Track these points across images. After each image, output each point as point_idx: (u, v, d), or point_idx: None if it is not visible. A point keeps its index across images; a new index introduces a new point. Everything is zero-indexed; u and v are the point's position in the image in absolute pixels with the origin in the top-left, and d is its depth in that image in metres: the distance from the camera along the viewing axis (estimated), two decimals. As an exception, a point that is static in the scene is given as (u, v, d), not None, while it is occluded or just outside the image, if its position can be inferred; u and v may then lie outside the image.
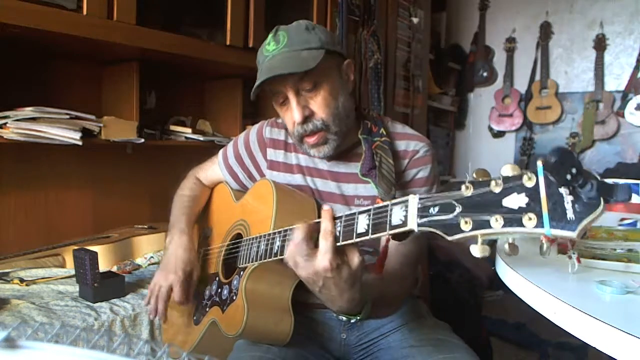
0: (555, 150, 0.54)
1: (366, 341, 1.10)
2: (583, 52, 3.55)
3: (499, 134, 3.95)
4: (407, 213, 0.68)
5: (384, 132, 1.08)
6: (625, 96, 3.36)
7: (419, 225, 0.66)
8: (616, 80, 3.43)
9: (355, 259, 0.77)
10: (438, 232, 0.63)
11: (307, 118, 1.00)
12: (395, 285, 0.99)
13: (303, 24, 1.01)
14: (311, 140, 1.03)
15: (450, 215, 0.61)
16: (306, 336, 1.07)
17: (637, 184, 1.51)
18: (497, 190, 0.58)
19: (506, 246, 0.59)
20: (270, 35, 1.02)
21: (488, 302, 2.83)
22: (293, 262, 0.79)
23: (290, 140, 1.15)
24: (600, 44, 3.46)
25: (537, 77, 3.71)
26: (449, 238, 0.61)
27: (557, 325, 0.72)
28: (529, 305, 0.80)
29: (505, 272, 0.93)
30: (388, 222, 0.71)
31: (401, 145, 1.08)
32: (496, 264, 1.01)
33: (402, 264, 1.01)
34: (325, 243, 0.75)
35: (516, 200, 0.56)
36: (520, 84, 3.81)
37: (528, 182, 0.56)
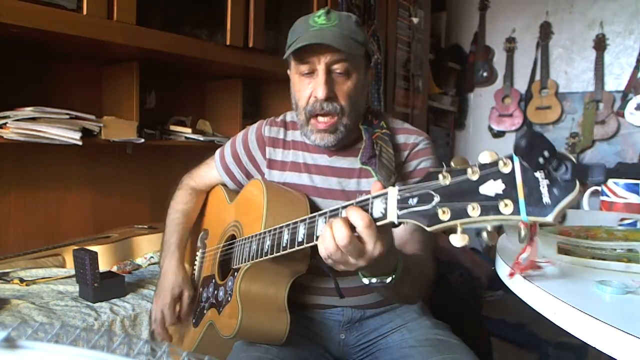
0: (524, 133, 0.53)
1: (365, 341, 1.10)
2: (583, 52, 3.55)
3: (499, 134, 3.95)
4: (387, 205, 0.68)
5: (384, 125, 1.09)
6: (625, 96, 3.35)
7: (398, 217, 0.66)
8: (616, 80, 3.43)
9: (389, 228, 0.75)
10: (418, 223, 0.63)
11: (330, 98, 1.00)
12: (419, 265, 0.97)
13: (354, 17, 1.03)
14: (321, 124, 1.03)
15: (429, 206, 0.61)
16: (305, 336, 1.07)
17: (637, 184, 1.50)
18: (474, 177, 0.58)
19: (484, 234, 0.58)
20: (321, 11, 1.02)
21: (488, 302, 2.83)
22: (334, 261, 0.77)
23: (289, 138, 1.16)
24: (600, 44, 3.46)
25: (537, 77, 3.71)
26: (429, 229, 0.61)
27: (557, 325, 0.72)
28: (529, 305, 0.80)
29: (505, 272, 0.93)
30: (370, 215, 0.71)
31: (401, 138, 1.10)
32: (496, 264, 1.01)
33: (421, 250, 1.01)
34: (371, 234, 0.72)
35: (493, 187, 0.56)
36: (520, 84, 3.81)
37: (504, 168, 0.55)
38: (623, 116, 3.35)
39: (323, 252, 0.76)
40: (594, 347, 0.64)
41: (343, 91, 1.01)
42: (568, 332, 0.69)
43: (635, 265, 0.88)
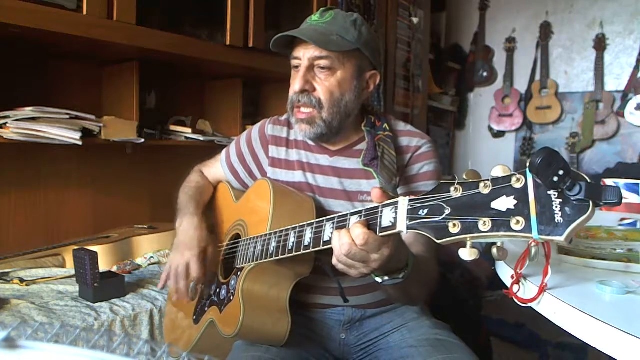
0: (541, 151, 0.52)
1: (365, 341, 1.10)
2: (583, 52, 3.55)
3: (499, 134, 3.95)
4: (396, 215, 0.68)
5: (387, 128, 1.10)
6: (625, 96, 3.36)
7: (408, 227, 0.65)
8: (616, 80, 3.43)
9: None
10: (427, 234, 0.62)
11: (306, 91, 1.03)
12: (426, 265, 0.98)
13: (354, 17, 1.04)
14: (300, 114, 1.05)
15: (439, 218, 0.61)
16: (305, 336, 1.07)
17: (637, 184, 1.50)
18: (486, 191, 0.57)
19: (494, 250, 0.58)
20: (321, 9, 1.07)
21: (488, 302, 2.82)
22: (346, 265, 0.78)
23: (292, 137, 1.16)
24: (600, 44, 3.46)
25: (537, 77, 3.71)
26: (438, 241, 0.61)
27: (557, 325, 0.72)
28: (529, 305, 0.80)
29: (505, 272, 0.93)
30: (378, 224, 0.71)
31: (404, 141, 1.10)
32: (496, 264, 1.01)
33: (426, 251, 1.02)
34: (370, 245, 0.73)
35: (505, 203, 0.55)
36: (520, 84, 3.81)
37: (517, 183, 0.55)
38: (623, 116, 3.35)
39: (334, 259, 0.78)
40: (594, 347, 0.64)
41: (324, 86, 1.03)
42: (568, 332, 0.69)
43: (635, 265, 0.88)
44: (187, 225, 1.12)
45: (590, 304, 0.69)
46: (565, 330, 0.70)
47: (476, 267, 2.67)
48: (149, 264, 1.61)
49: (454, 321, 1.17)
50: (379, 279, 0.83)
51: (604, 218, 1.34)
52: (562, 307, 0.70)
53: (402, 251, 0.81)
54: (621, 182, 1.52)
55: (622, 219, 1.32)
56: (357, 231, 0.72)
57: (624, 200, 1.51)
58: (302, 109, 1.05)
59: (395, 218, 0.68)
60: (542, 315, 0.75)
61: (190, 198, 1.21)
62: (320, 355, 1.07)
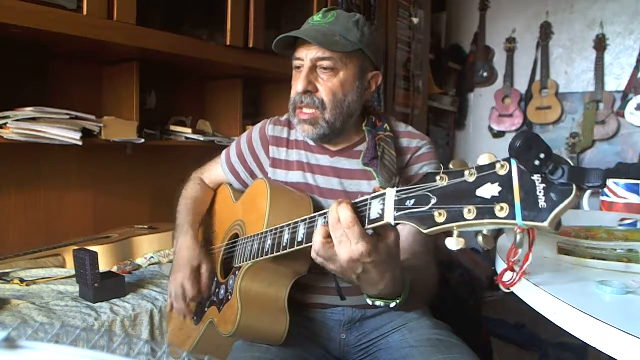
0: (520, 134, 0.51)
1: (365, 341, 1.10)
2: (583, 52, 3.55)
3: (499, 134, 3.95)
4: (384, 207, 0.68)
5: (388, 128, 1.10)
6: (625, 96, 3.35)
7: (395, 218, 0.65)
8: (616, 80, 3.43)
9: (391, 235, 0.75)
10: (414, 225, 0.62)
11: (308, 92, 1.03)
12: (424, 281, 0.98)
13: (356, 17, 1.04)
14: (302, 114, 1.05)
15: (425, 207, 0.60)
16: (305, 336, 1.07)
17: (637, 184, 1.50)
18: (471, 179, 0.57)
19: (479, 238, 0.57)
20: (323, 9, 1.07)
21: (488, 302, 2.82)
22: (324, 259, 0.78)
23: (292, 137, 1.17)
24: (600, 44, 3.46)
25: (537, 77, 3.70)
26: (425, 231, 0.60)
27: (557, 325, 0.72)
28: (529, 305, 0.80)
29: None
30: (367, 216, 0.71)
31: (404, 142, 1.10)
32: (496, 264, 1.01)
33: (423, 252, 1.01)
34: (353, 230, 0.72)
35: (489, 190, 0.55)
36: (520, 84, 3.81)
37: (501, 170, 0.54)
38: (623, 116, 3.35)
39: (312, 252, 0.78)
40: (594, 347, 0.64)
41: (327, 86, 1.03)
42: (568, 332, 0.69)
43: (635, 265, 0.88)
44: (180, 247, 1.15)
45: (590, 304, 0.69)
46: (565, 330, 0.70)
47: (476, 267, 2.67)
48: (149, 264, 1.61)
49: (454, 321, 1.16)
50: (369, 301, 0.85)
51: (604, 218, 1.34)
52: (562, 307, 0.70)
53: (395, 279, 0.81)
54: (621, 182, 1.52)
55: (622, 219, 1.32)
56: (341, 207, 0.72)
57: (623, 200, 1.51)
58: (305, 110, 1.05)
59: (382, 209, 0.68)
60: (542, 315, 0.75)
61: (184, 214, 1.22)
62: (320, 356, 1.07)
